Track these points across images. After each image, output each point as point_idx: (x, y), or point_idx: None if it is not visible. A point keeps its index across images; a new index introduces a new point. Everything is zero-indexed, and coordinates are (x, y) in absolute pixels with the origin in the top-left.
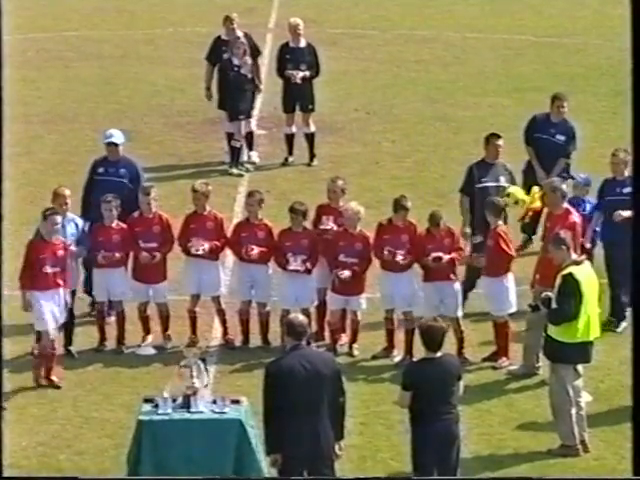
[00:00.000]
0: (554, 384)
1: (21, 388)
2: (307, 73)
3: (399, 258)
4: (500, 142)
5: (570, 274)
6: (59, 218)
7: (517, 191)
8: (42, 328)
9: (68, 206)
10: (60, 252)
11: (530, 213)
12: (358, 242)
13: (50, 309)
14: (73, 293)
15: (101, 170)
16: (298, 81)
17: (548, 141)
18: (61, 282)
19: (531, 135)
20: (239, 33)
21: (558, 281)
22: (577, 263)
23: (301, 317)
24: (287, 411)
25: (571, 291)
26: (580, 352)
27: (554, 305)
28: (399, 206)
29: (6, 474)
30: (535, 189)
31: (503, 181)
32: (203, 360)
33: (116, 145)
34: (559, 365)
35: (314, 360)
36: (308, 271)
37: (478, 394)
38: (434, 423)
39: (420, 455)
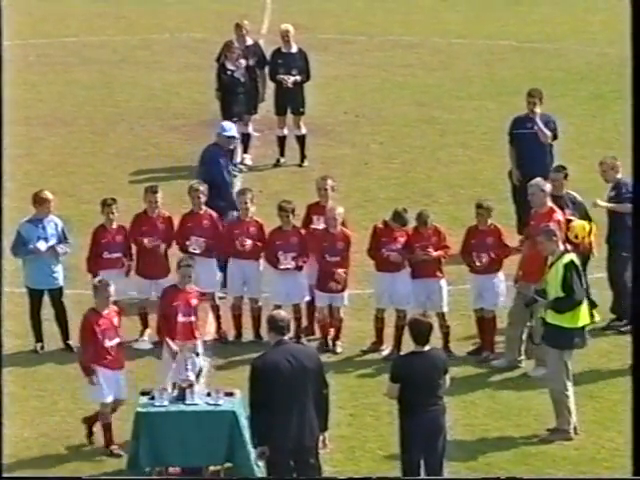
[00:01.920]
0: (556, 372)
1: (23, 382)
2: (298, 77)
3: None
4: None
5: (572, 261)
6: (112, 289)
7: (579, 226)
8: (101, 400)
9: (50, 209)
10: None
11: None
12: (339, 241)
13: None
14: (60, 290)
15: (222, 161)
16: (289, 85)
17: (528, 134)
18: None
19: (513, 133)
20: (249, 41)
21: (560, 271)
22: (568, 252)
23: (283, 313)
24: (274, 404)
25: (577, 278)
26: (581, 336)
27: (559, 294)
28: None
29: (8, 464)
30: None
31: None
32: (197, 354)
33: (234, 138)
34: (566, 352)
35: (298, 354)
36: (299, 268)
37: (463, 387)
38: (421, 414)
39: (408, 444)
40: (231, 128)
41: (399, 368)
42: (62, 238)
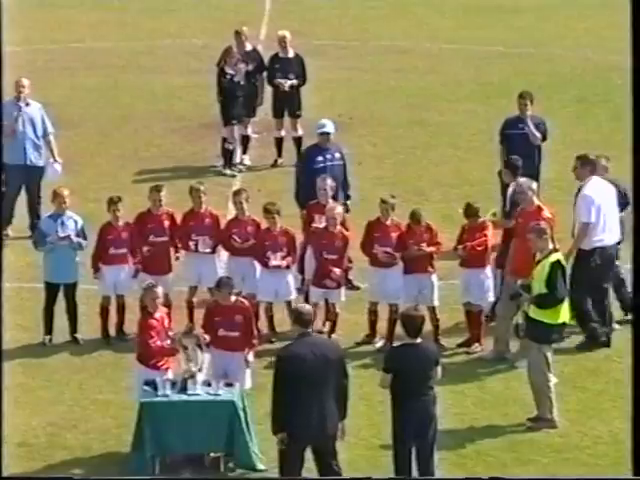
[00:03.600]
0: (536, 363)
1: (31, 373)
2: (295, 81)
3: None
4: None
5: (558, 261)
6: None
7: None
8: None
9: (67, 204)
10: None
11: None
12: (338, 240)
13: None
14: (75, 284)
15: (320, 158)
16: (286, 89)
17: (517, 135)
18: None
19: (503, 133)
20: (249, 46)
21: (546, 268)
22: (556, 251)
23: (307, 306)
24: (296, 393)
25: (561, 277)
26: (560, 332)
27: (542, 290)
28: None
29: (17, 452)
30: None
31: None
32: (199, 346)
33: (329, 134)
34: (544, 346)
35: (321, 346)
36: (287, 267)
37: (453, 377)
38: (413, 403)
39: (400, 433)
40: (324, 125)
41: (392, 359)
42: (81, 235)
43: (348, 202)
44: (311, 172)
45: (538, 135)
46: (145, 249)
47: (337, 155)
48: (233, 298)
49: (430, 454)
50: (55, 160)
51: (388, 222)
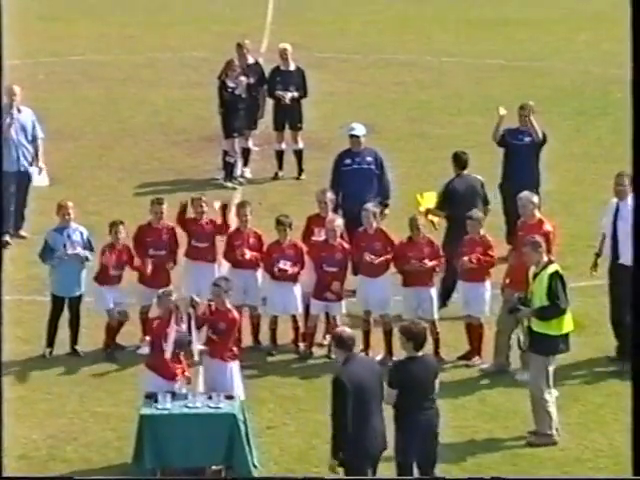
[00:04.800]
0: (536, 377)
1: (32, 385)
2: (295, 94)
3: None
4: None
5: (557, 272)
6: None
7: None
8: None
9: (71, 216)
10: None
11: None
12: (338, 252)
13: None
14: (79, 297)
15: (348, 161)
16: (287, 101)
17: (516, 145)
18: None
19: (503, 139)
20: (250, 59)
21: (545, 280)
22: (552, 262)
23: (348, 330)
24: (361, 413)
25: (562, 287)
26: (565, 342)
27: (544, 302)
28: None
29: (18, 465)
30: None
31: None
32: (193, 307)
33: (358, 137)
34: (549, 358)
35: (368, 365)
36: (294, 279)
37: (453, 390)
38: (418, 417)
39: (404, 446)
40: (353, 128)
41: (397, 374)
42: (87, 246)
43: (386, 210)
44: (338, 175)
45: (539, 131)
46: (148, 263)
47: (368, 159)
48: (229, 305)
49: (432, 467)
50: (39, 166)
51: (371, 231)
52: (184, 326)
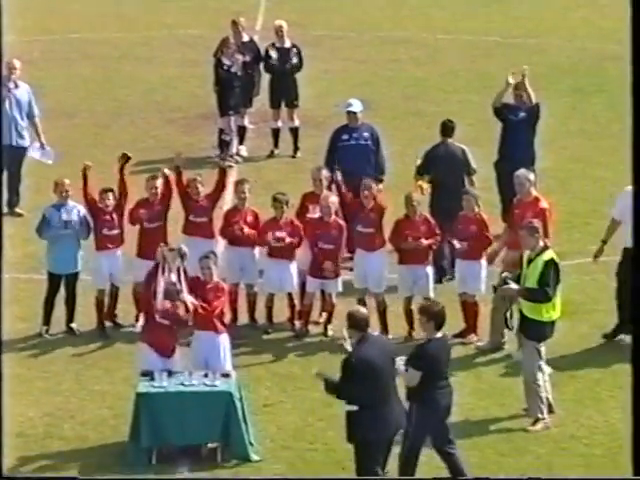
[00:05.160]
0: (531, 361)
1: (28, 363)
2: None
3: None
4: None
5: (552, 259)
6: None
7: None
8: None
9: (69, 194)
10: None
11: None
12: (333, 229)
13: None
14: (76, 275)
15: (345, 137)
16: (274, 60)
17: (512, 120)
18: None
19: (500, 113)
20: (245, 37)
21: (539, 267)
22: (547, 248)
23: (362, 310)
24: (375, 396)
25: (554, 275)
26: (552, 329)
27: (531, 285)
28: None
29: (15, 442)
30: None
31: None
32: (181, 256)
33: (355, 113)
34: (540, 343)
35: (382, 344)
36: (291, 255)
37: (453, 367)
38: (438, 397)
39: (421, 427)
40: (350, 104)
41: (424, 356)
42: (84, 223)
43: (380, 185)
44: (335, 150)
45: (533, 95)
46: (138, 234)
47: (365, 135)
48: (215, 279)
49: (448, 445)
50: (42, 144)
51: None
52: (173, 277)
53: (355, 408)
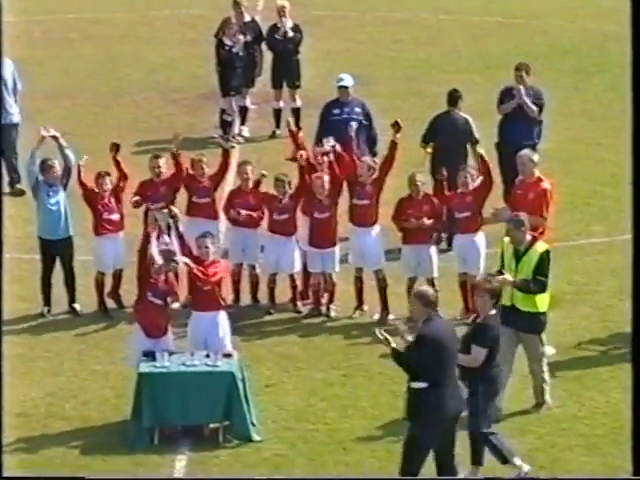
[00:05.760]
0: (537, 354)
1: (30, 343)
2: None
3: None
4: None
5: (547, 251)
6: None
7: None
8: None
9: (58, 174)
10: None
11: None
12: (326, 198)
13: None
14: (70, 249)
15: (337, 111)
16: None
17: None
18: None
19: (501, 104)
20: (247, 17)
21: (535, 258)
22: (536, 239)
23: (430, 289)
24: (446, 372)
25: (548, 267)
26: (547, 318)
27: (525, 277)
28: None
29: (16, 422)
30: None
31: None
32: (172, 217)
33: (347, 88)
34: (540, 335)
35: (448, 326)
36: (290, 234)
37: None
38: (501, 376)
39: (489, 407)
40: (341, 78)
41: (488, 332)
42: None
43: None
44: (326, 124)
45: (534, 108)
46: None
47: (357, 110)
48: (212, 257)
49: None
50: None
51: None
52: (167, 238)
53: (424, 385)
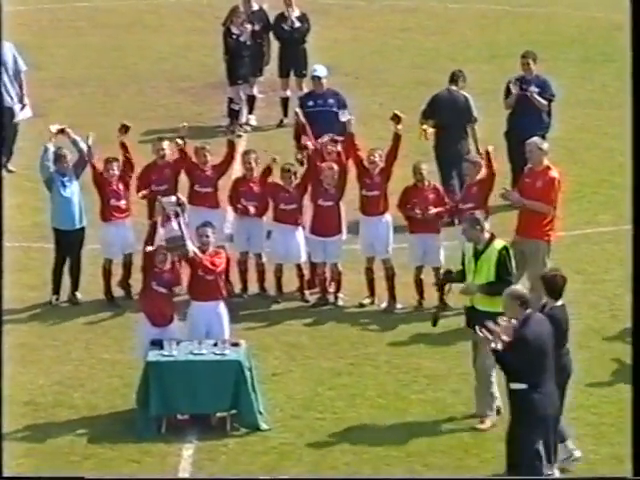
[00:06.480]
0: (489, 358)
1: (38, 332)
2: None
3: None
4: None
5: (505, 246)
6: None
7: None
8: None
9: (70, 164)
10: None
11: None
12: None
13: None
14: (81, 239)
15: (311, 103)
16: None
17: (524, 96)
18: None
19: (508, 94)
20: (255, 6)
21: (494, 256)
22: (494, 237)
23: (522, 288)
24: (540, 376)
25: (510, 263)
26: None
27: (491, 279)
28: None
29: (24, 410)
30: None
31: None
32: (179, 205)
33: (320, 78)
34: None
35: (546, 325)
36: (297, 224)
37: (459, 337)
38: (564, 364)
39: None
40: (314, 69)
41: (556, 323)
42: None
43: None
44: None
45: (544, 102)
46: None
47: (330, 101)
48: (212, 247)
49: None
50: (22, 102)
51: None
52: (174, 225)
53: (524, 386)
